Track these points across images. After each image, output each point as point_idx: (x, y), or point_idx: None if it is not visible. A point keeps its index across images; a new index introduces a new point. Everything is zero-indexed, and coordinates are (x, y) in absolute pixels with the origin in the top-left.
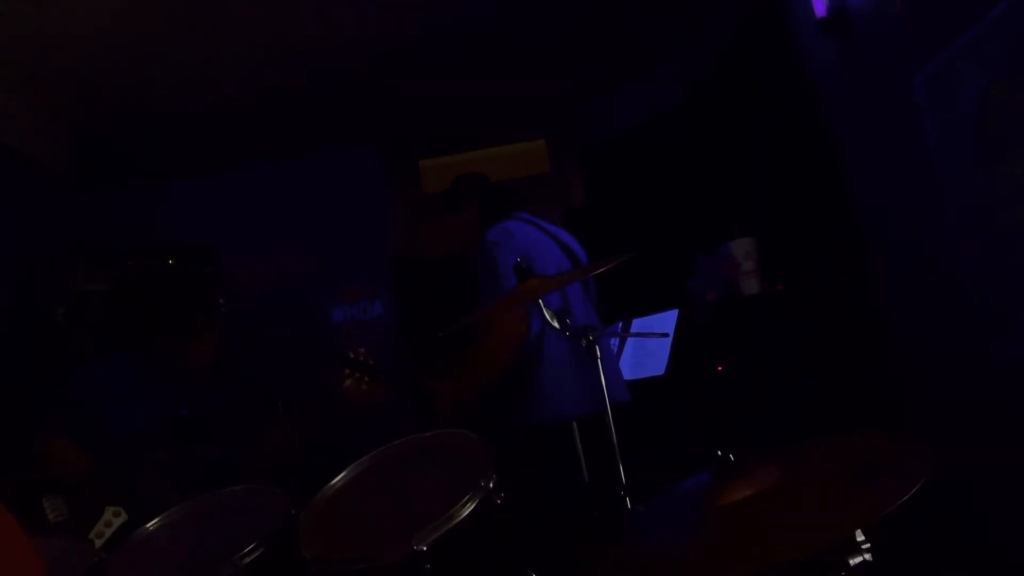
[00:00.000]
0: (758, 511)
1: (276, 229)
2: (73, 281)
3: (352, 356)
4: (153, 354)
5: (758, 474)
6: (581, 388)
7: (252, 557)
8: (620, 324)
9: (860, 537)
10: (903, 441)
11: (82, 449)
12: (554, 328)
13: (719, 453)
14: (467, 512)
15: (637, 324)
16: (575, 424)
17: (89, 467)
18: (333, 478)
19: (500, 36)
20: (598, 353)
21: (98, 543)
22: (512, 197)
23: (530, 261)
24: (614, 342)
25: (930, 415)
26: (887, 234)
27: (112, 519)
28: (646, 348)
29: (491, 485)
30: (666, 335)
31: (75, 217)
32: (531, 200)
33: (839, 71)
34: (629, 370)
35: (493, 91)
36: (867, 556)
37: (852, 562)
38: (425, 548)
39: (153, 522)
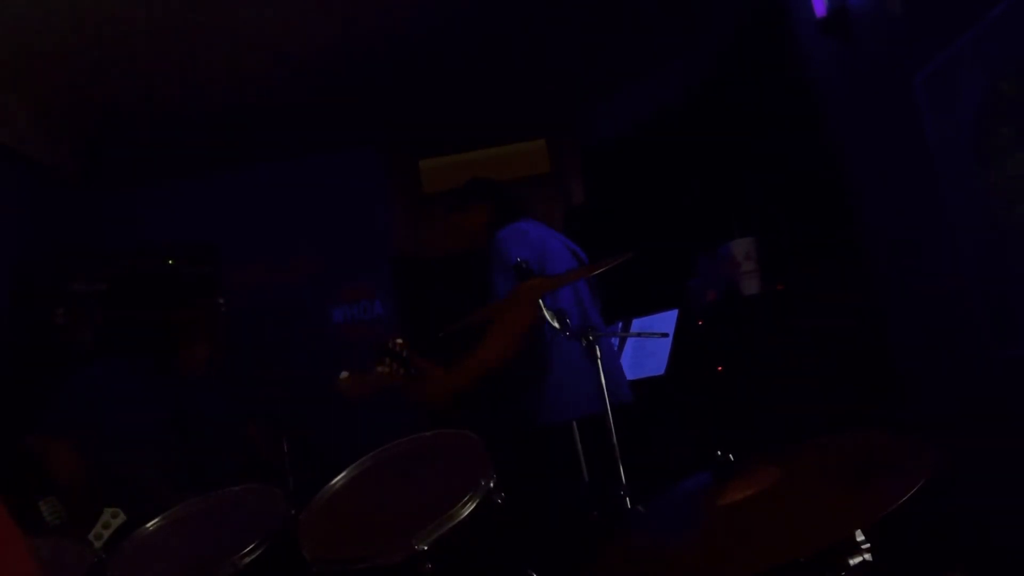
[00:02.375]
0: (758, 511)
1: (276, 229)
2: (73, 281)
3: (391, 346)
4: (150, 358)
5: (758, 474)
6: (590, 390)
7: (252, 557)
8: (620, 324)
9: (860, 537)
10: (903, 441)
11: (81, 451)
12: (553, 328)
13: (719, 453)
14: (467, 512)
15: (637, 324)
16: (575, 424)
17: (88, 470)
18: (333, 478)
19: (500, 36)
20: (598, 353)
21: (97, 544)
22: (522, 203)
23: (542, 261)
24: (615, 342)
25: (930, 415)
26: (887, 234)
27: (111, 520)
28: (646, 348)
29: (491, 485)
30: (666, 335)
31: (75, 217)
32: (531, 200)
33: (839, 71)
34: (629, 370)
35: (493, 91)
36: (867, 556)
37: (852, 562)
38: (425, 548)
39: (153, 522)
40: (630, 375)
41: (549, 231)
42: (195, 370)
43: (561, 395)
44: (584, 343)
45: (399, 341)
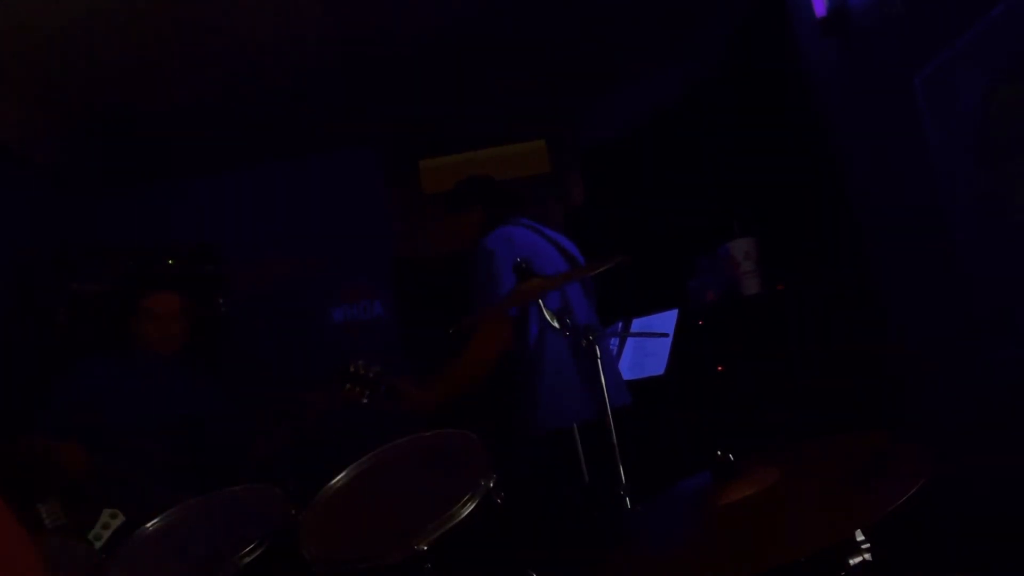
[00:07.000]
0: (758, 511)
1: (276, 229)
2: (73, 281)
3: (353, 369)
4: (136, 349)
5: (758, 474)
6: (582, 395)
7: (252, 557)
8: (620, 324)
9: (860, 537)
10: (903, 441)
11: (86, 450)
12: (555, 330)
13: (719, 453)
14: (467, 512)
15: (637, 324)
16: (575, 425)
17: (92, 468)
18: (333, 478)
19: (500, 37)
20: (598, 353)
21: (97, 545)
22: (516, 202)
23: (531, 263)
24: (613, 344)
25: (930, 415)
26: (887, 234)
27: (110, 521)
28: (646, 348)
29: (491, 485)
30: (666, 335)
31: (75, 217)
32: (531, 200)
33: (839, 71)
34: (629, 370)
35: (493, 91)
36: (867, 556)
37: (852, 562)
38: (425, 548)
39: (153, 522)
40: (630, 375)
41: (541, 233)
42: (170, 345)
43: (553, 403)
44: (584, 343)
45: (361, 363)
